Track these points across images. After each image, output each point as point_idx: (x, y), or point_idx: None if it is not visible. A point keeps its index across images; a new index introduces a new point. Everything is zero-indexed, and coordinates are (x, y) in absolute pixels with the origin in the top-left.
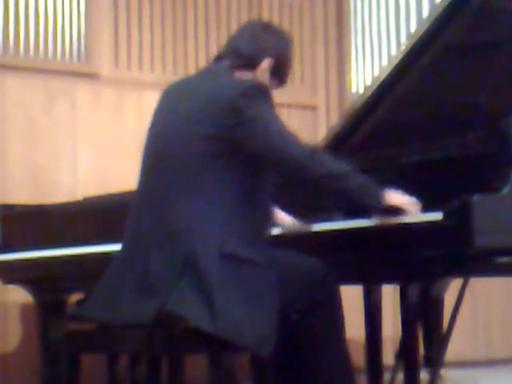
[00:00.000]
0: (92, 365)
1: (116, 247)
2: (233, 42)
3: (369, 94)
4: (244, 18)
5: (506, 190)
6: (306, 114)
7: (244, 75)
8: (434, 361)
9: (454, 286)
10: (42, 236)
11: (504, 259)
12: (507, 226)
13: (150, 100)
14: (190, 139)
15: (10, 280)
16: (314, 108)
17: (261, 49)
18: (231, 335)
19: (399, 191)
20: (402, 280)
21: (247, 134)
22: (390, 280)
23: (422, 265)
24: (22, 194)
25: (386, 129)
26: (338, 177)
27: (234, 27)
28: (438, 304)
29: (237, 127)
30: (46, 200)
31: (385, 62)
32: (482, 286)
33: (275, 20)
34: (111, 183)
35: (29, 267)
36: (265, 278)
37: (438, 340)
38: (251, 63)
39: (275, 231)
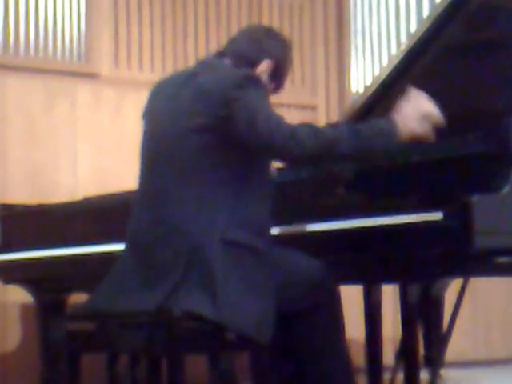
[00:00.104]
0: (92, 364)
1: (116, 247)
2: (233, 43)
3: (369, 93)
4: (244, 18)
5: (506, 189)
6: (306, 114)
7: None
8: (434, 361)
9: (454, 286)
10: (42, 236)
11: (504, 259)
12: (507, 225)
13: None
14: (186, 132)
15: (10, 280)
16: (314, 108)
17: (261, 50)
18: (232, 323)
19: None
20: (402, 280)
21: (235, 121)
22: (390, 280)
23: (422, 265)
24: (21, 194)
25: None
26: (330, 144)
27: (234, 27)
28: (438, 304)
29: (228, 117)
30: (46, 200)
31: (385, 61)
32: (482, 286)
33: (275, 20)
34: (111, 183)
35: (29, 267)
36: (265, 266)
37: (438, 340)
38: (250, 63)
39: (275, 231)
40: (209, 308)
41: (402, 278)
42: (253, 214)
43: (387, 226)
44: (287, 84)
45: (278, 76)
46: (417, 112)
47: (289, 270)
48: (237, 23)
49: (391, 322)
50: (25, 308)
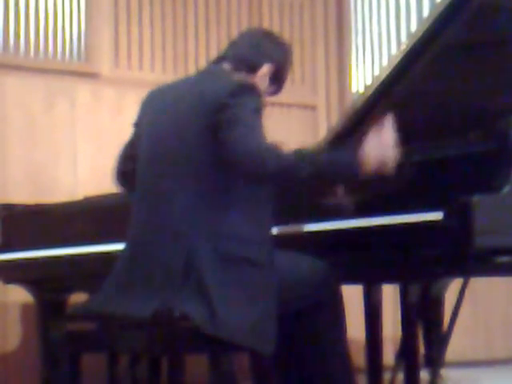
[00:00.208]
0: (92, 364)
1: (116, 247)
2: (233, 46)
3: (369, 93)
4: (244, 18)
5: (506, 189)
6: (307, 114)
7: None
8: (435, 360)
9: (454, 286)
10: (42, 236)
11: (504, 259)
12: (508, 225)
13: None
14: (185, 139)
15: (10, 280)
16: (314, 107)
17: (261, 54)
18: (231, 336)
19: (374, 143)
20: (402, 280)
21: (222, 129)
22: (390, 280)
23: (422, 265)
24: (21, 194)
25: None
26: (293, 166)
27: (235, 26)
28: (438, 304)
29: (219, 123)
30: (46, 199)
31: (385, 61)
32: (482, 286)
33: (275, 19)
34: (111, 183)
35: (29, 267)
36: (263, 278)
37: (438, 340)
38: (251, 67)
39: (275, 231)
40: (206, 322)
41: (402, 277)
42: (253, 222)
43: (387, 225)
44: (287, 83)
45: (279, 79)
46: (380, 153)
47: (291, 270)
48: (237, 22)
49: (391, 321)
50: (25, 308)
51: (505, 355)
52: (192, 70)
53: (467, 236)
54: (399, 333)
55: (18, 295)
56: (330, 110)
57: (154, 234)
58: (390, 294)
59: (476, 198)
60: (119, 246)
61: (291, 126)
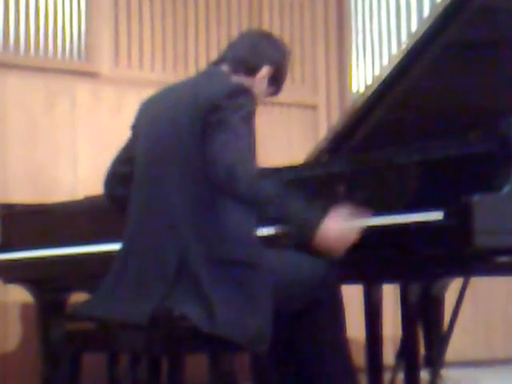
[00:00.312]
0: (92, 364)
1: (117, 247)
2: (232, 48)
3: (369, 93)
4: (245, 17)
5: (506, 189)
6: (307, 113)
7: (242, 80)
8: (435, 360)
9: (454, 286)
10: (42, 235)
11: (504, 259)
12: (507, 225)
13: None
14: (182, 140)
15: (10, 279)
16: (314, 107)
17: (260, 56)
18: (227, 334)
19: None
20: (402, 280)
21: (212, 132)
22: (390, 280)
23: (422, 265)
24: (22, 193)
25: (386, 128)
26: (263, 198)
27: (235, 26)
28: (438, 303)
29: (211, 123)
30: (47, 199)
31: (385, 61)
32: (482, 286)
33: (276, 18)
34: None
35: (29, 266)
36: (257, 279)
37: (438, 340)
38: (250, 69)
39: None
40: (203, 320)
41: (402, 277)
42: (247, 223)
43: (387, 225)
44: (287, 83)
45: (277, 80)
46: (340, 236)
47: (291, 269)
48: (237, 22)
49: (391, 321)
50: (25, 308)
51: (505, 355)
52: (192, 70)
53: (467, 236)
54: (399, 333)
55: (18, 295)
56: (330, 109)
57: (149, 233)
58: (390, 294)
59: (476, 198)
60: (119, 246)
61: (291, 125)
